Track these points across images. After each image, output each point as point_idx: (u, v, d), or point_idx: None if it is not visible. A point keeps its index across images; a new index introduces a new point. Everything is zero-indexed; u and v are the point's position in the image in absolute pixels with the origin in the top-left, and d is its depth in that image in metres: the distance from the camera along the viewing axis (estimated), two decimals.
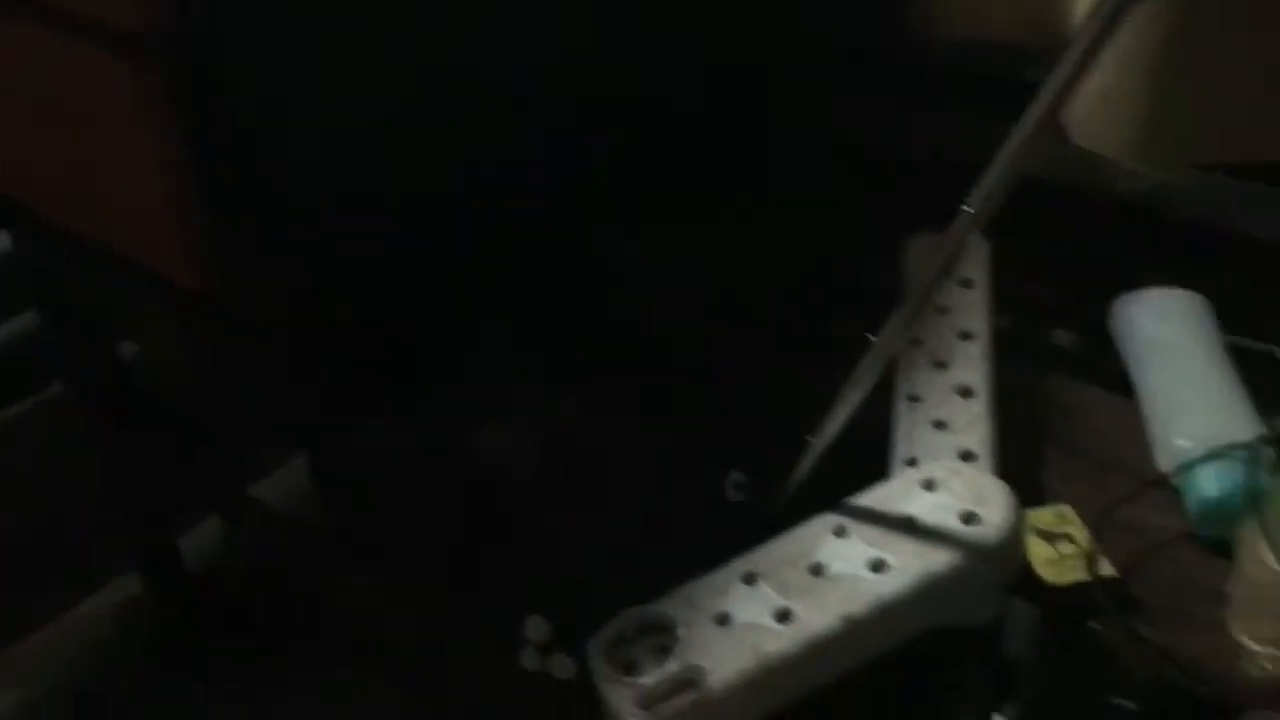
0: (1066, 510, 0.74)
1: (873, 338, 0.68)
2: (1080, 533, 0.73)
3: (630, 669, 0.65)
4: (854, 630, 0.65)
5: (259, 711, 1.08)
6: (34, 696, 1.10)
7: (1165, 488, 0.76)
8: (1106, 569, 0.72)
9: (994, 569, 0.67)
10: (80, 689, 1.11)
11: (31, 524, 1.07)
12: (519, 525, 0.81)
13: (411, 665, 0.88)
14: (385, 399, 0.90)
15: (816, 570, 0.67)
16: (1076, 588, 0.71)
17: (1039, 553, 0.72)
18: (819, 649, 0.64)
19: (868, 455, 0.77)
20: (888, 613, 0.65)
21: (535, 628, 0.70)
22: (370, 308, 0.76)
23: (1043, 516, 0.74)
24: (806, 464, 0.73)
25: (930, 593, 0.65)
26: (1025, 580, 0.71)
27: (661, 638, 0.67)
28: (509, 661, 0.70)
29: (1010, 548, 0.67)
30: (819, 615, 0.65)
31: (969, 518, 0.66)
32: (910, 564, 0.66)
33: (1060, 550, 0.72)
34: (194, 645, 1.16)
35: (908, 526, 0.67)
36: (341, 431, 0.97)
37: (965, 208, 0.61)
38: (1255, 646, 0.65)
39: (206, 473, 1.03)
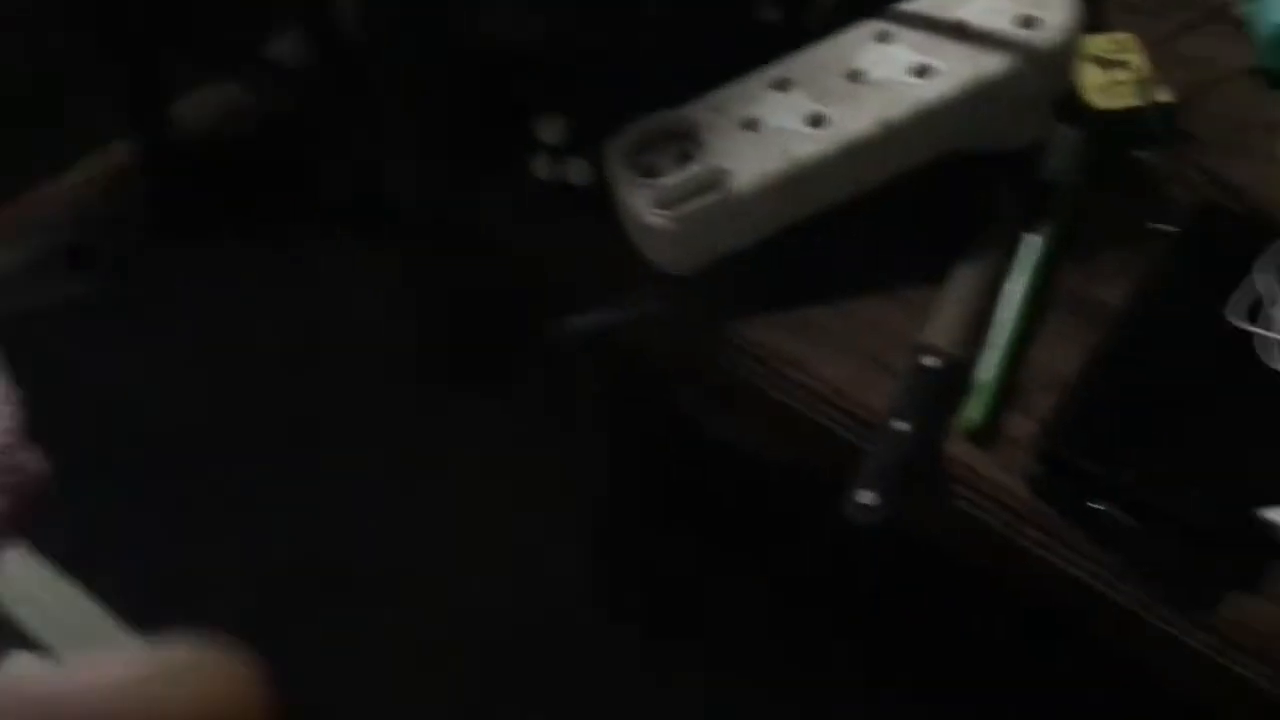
0: (1125, 38, 0.69)
1: None
2: (1137, 60, 0.68)
3: (651, 173, 0.62)
4: (891, 136, 0.61)
5: (255, 278, 1.07)
6: (29, 255, 1.08)
7: (1232, 19, 0.70)
8: (1161, 96, 0.67)
9: (1046, 79, 0.63)
10: (75, 249, 1.09)
11: (28, 77, 1.02)
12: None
13: (415, 219, 0.85)
14: None
15: (855, 76, 0.62)
16: (1127, 114, 0.66)
17: (1092, 78, 0.67)
18: (853, 155, 0.61)
19: None
20: (928, 120, 0.61)
21: (550, 130, 0.66)
22: None
23: (1100, 43, 0.68)
24: None
25: (975, 101, 0.61)
26: (1073, 105, 0.66)
27: (685, 144, 0.63)
28: (520, 172, 0.67)
29: (1066, 55, 0.63)
30: (855, 120, 0.61)
31: (1026, 21, 0.61)
32: (957, 69, 0.61)
33: (1114, 76, 0.67)
34: (190, 211, 1.13)
35: (958, 31, 0.62)
36: None
37: None
38: None
39: (210, 30, 0.96)
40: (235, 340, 1.05)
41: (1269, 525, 0.50)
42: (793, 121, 0.61)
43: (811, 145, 0.61)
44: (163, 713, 0.17)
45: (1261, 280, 0.57)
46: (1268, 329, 0.56)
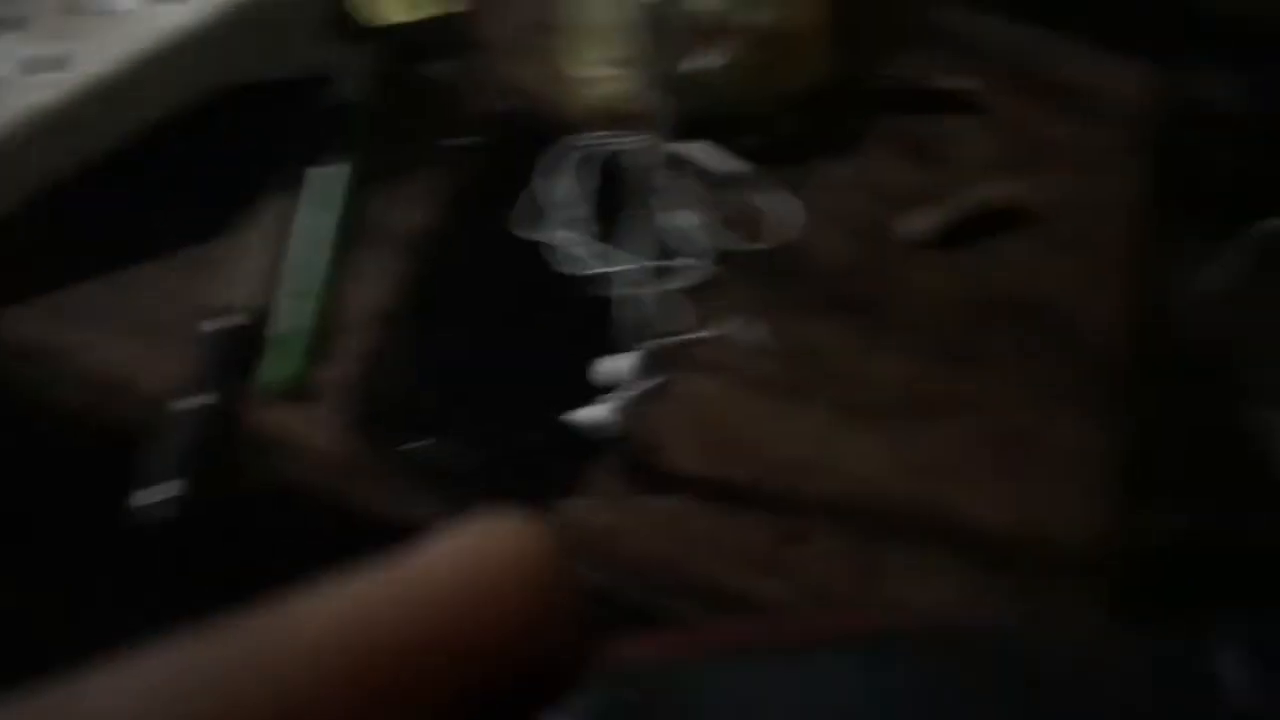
0: None
1: None
2: None
3: None
4: (143, 73, 0.54)
5: None
6: None
7: None
8: (455, 7, 0.65)
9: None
10: None
11: None
12: None
13: None
14: None
15: (88, 7, 0.54)
16: (412, 28, 0.64)
17: None
18: (100, 99, 0.53)
19: None
20: (185, 50, 0.54)
21: None
22: None
23: None
24: None
25: (234, 25, 0.55)
26: (354, 25, 0.63)
27: None
28: None
29: None
30: (98, 58, 0.53)
31: None
32: None
33: None
34: None
35: None
36: None
37: None
38: (586, 74, 0.63)
39: None
40: None
41: (577, 426, 0.51)
42: (16, 68, 0.52)
43: (47, 93, 0.52)
44: (482, 581, 0.16)
45: (539, 186, 0.58)
46: (547, 233, 0.57)
